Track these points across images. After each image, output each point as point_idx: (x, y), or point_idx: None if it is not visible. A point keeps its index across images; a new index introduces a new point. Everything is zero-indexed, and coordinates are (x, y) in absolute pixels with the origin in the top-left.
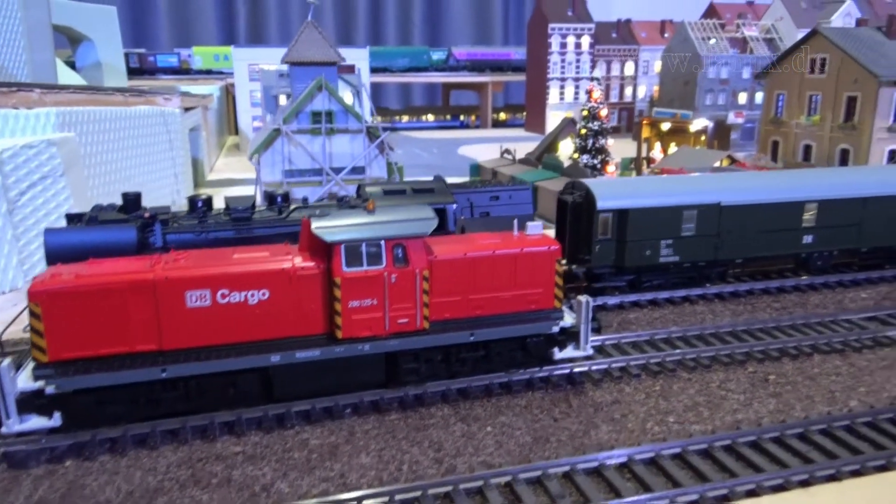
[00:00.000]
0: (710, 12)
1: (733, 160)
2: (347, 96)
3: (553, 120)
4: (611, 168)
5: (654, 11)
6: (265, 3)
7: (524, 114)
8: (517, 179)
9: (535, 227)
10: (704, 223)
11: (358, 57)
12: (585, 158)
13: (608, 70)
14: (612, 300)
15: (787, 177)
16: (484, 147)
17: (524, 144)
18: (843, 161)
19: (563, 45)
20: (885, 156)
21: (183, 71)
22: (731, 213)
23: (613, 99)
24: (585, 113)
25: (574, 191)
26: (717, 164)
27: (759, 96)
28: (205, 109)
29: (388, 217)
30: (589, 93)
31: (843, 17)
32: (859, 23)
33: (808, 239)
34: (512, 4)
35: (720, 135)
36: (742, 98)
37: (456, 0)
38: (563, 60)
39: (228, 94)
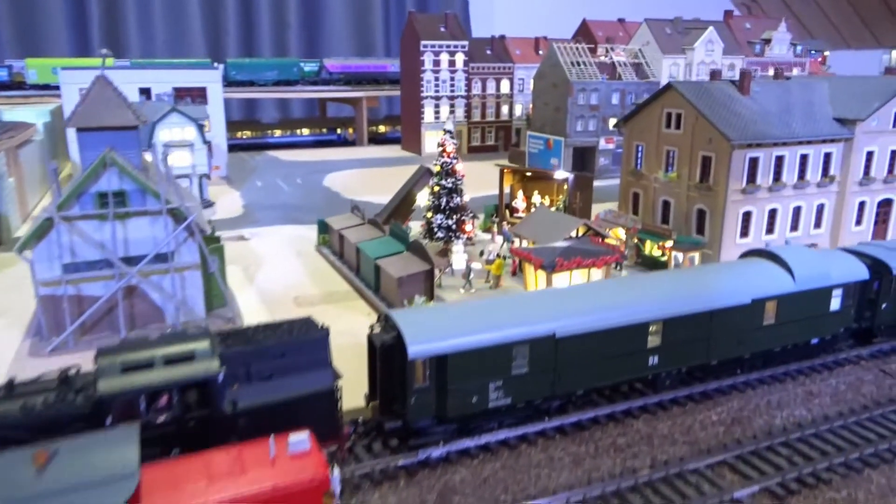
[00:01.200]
0: (583, 30)
1: (589, 228)
2: (189, 132)
3: (429, 140)
4: (468, 227)
5: (529, 28)
6: (123, 4)
7: None
8: (361, 251)
9: (299, 442)
10: (538, 359)
11: (207, 79)
12: (440, 219)
13: (483, 88)
14: (436, 452)
15: (627, 292)
16: (353, 175)
17: (397, 170)
18: (700, 222)
19: (437, 63)
20: (739, 218)
21: (16, 85)
22: (568, 344)
23: (490, 118)
24: (437, 168)
25: (386, 327)
26: (573, 233)
27: None
28: (12, 151)
29: (55, 486)
30: (441, 146)
31: (704, 45)
32: (713, 76)
33: (653, 360)
34: (393, 13)
35: (581, 186)
36: (612, 123)
37: (334, 9)
38: (436, 78)
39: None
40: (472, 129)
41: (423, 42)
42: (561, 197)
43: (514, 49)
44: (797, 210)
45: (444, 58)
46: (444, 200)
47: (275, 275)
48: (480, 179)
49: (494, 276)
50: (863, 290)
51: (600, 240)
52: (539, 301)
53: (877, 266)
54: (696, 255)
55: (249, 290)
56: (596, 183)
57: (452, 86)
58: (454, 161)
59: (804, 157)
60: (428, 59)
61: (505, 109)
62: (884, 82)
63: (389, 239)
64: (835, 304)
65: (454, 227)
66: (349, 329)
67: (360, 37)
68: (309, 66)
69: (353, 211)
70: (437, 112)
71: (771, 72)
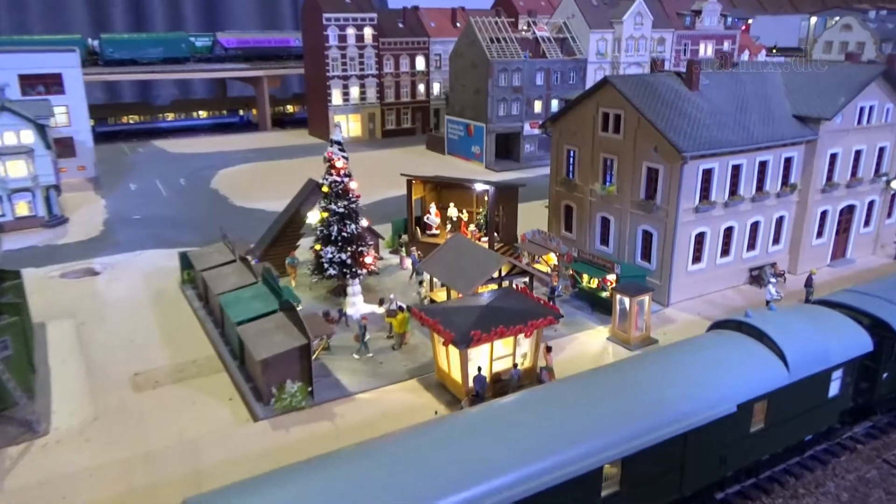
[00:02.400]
0: (503, 1)
1: (514, 267)
2: (26, 135)
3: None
4: (369, 259)
5: None
6: None
7: None
8: (223, 307)
9: None
10: None
11: (62, 63)
12: (330, 252)
13: (396, 66)
14: None
15: (563, 421)
16: (249, 171)
17: (301, 164)
18: (646, 245)
19: (343, 38)
20: (692, 242)
21: None
22: None
23: (405, 98)
24: (326, 189)
25: None
26: (494, 274)
27: (555, 103)
28: None
29: None
30: (329, 162)
31: (633, 17)
32: (654, 66)
33: None
34: None
35: (505, 198)
36: (538, 106)
37: None
38: (343, 56)
39: None
40: (387, 111)
41: (325, 15)
42: (482, 210)
43: (428, 21)
44: (755, 226)
45: (351, 32)
46: (335, 229)
47: (119, 333)
48: (394, 172)
49: (398, 334)
50: (863, 360)
51: (522, 287)
52: (410, 458)
53: (876, 327)
54: (646, 300)
55: (77, 364)
56: (522, 174)
57: (362, 64)
58: (346, 179)
59: (763, 165)
60: (332, 34)
61: (421, 88)
62: (845, 73)
63: (260, 289)
64: (834, 388)
65: (349, 261)
66: (194, 435)
67: (265, 8)
68: (201, 42)
69: (223, 240)
70: (345, 94)
71: (705, 48)
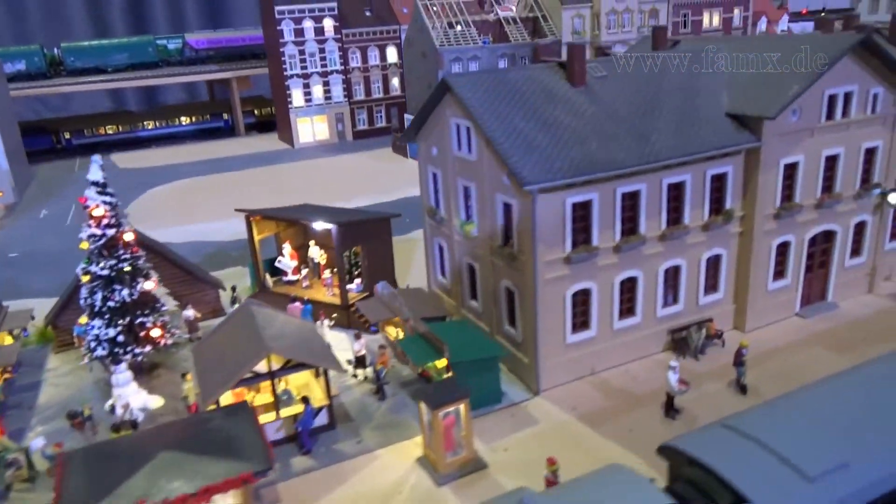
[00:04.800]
0: None
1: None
2: None
3: (302, 129)
4: (156, 332)
5: None
6: None
7: None
8: None
9: None
10: None
11: None
12: (98, 328)
13: (364, 59)
14: None
15: None
16: (185, 187)
17: (242, 177)
18: (511, 307)
19: (300, 32)
20: (566, 301)
21: None
22: None
23: (377, 94)
24: (84, 246)
25: None
26: (260, 368)
27: None
28: None
29: None
30: (86, 209)
31: None
32: (657, 38)
33: None
34: None
35: (366, 235)
36: None
37: None
38: (301, 52)
39: None
40: (356, 109)
41: (277, 7)
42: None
43: (400, 7)
44: (673, 272)
45: (309, 25)
46: (98, 297)
47: None
48: (354, 183)
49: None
50: None
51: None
52: None
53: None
54: (462, 409)
55: None
56: None
57: (323, 59)
58: (123, 228)
59: (677, 189)
60: (287, 28)
61: (395, 82)
62: (813, 47)
63: None
64: None
65: (121, 338)
66: None
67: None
68: (172, 44)
69: None
70: (307, 94)
71: (710, 18)
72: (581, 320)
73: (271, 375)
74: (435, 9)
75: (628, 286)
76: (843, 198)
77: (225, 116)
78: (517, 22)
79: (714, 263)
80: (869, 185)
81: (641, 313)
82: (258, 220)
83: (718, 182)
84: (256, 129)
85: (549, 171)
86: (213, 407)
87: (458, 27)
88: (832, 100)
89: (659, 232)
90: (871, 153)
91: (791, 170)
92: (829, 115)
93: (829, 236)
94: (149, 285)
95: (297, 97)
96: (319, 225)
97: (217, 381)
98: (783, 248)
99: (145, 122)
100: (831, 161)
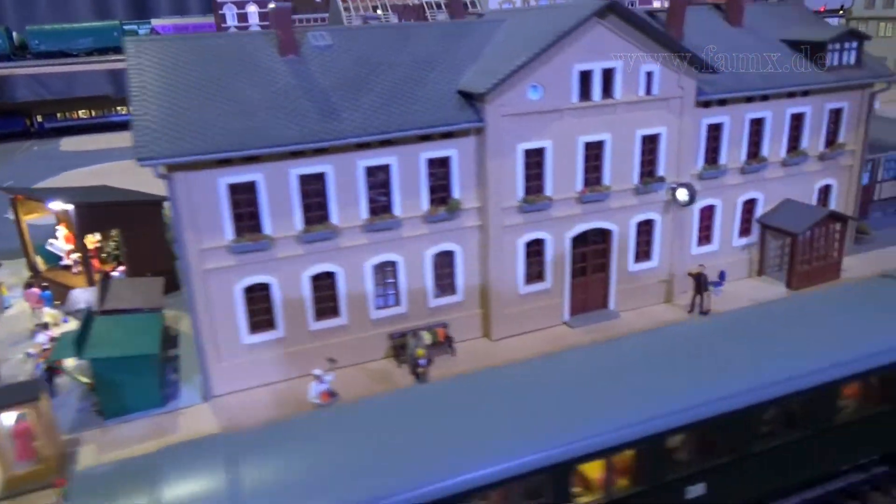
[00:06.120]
0: None
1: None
2: None
3: None
4: None
5: None
6: None
7: None
8: None
9: None
10: None
11: None
12: None
13: None
14: None
15: None
16: (102, 171)
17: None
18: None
19: (243, 18)
20: (235, 297)
21: None
22: None
23: None
24: None
25: None
26: None
27: None
28: None
29: None
30: None
31: None
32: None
33: None
34: None
35: (130, 219)
36: None
37: None
38: None
39: None
40: None
41: None
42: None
43: None
44: (385, 268)
45: (253, 10)
46: None
47: None
48: None
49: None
50: None
51: None
52: None
53: None
54: (15, 415)
55: None
56: None
57: None
58: None
59: (381, 174)
60: (230, 13)
61: None
62: (561, 13)
63: None
64: None
65: None
66: None
67: None
68: (143, 29)
69: None
70: None
71: None
72: (264, 319)
73: None
74: None
75: (327, 283)
76: (613, 191)
77: None
78: (440, 6)
79: (446, 261)
80: (653, 179)
81: (347, 314)
82: (21, 199)
83: (442, 167)
84: None
85: (185, 147)
86: None
87: (379, 11)
88: (586, 77)
89: (360, 222)
90: (651, 142)
91: (537, 157)
92: (586, 95)
93: (605, 236)
94: None
95: None
96: (57, 205)
97: None
98: (536, 247)
99: (117, 108)
100: (595, 148)
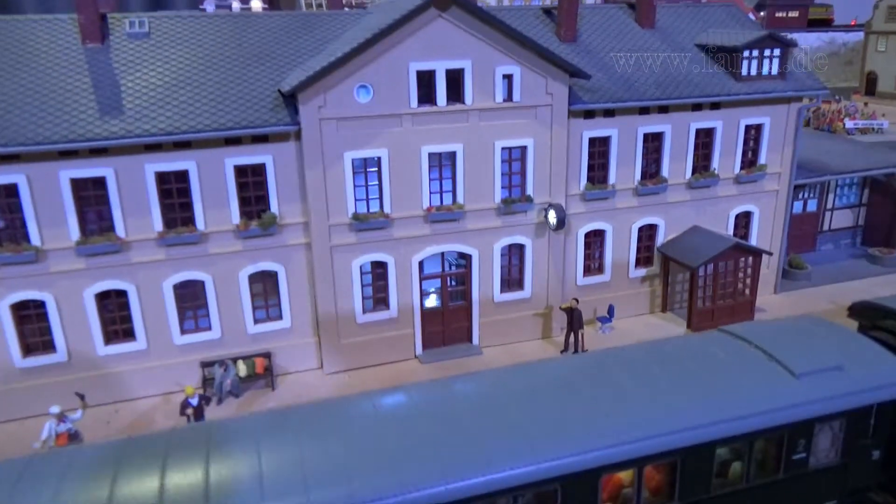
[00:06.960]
0: None
1: None
2: None
3: None
4: None
5: None
6: None
7: None
8: None
9: None
10: None
11: None
12: None
13: None
14: None
15: None
16: None
17: None
18: None
19: (228, 9)
20: (5, 316)
21: None
22: None
23: None
24: None
25: None
26: None
27: None
28: None
29: None
30: None
31: None
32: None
33: None
34: None
35: None
36: None
37: None
38: None
39: None
40: None
41: None
42: None
43: None
44: (191, 288)
45: (236, 5)
46: None
47: None
48: None
49: None
50: None
51: None
52: None
53: None
54: None
55: None
56: None
57: None
58: None
59: (177, 180)
60: (210, 7)
61: None
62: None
63: None
64: None
65: None
66: None
67: None
68: None
69: None
70: None
71: None
72: (41, 340)
73: None
74: None
75: (118, 303)
76: (469, 211)
77: None
78: None
79: (268, 283)
80: (518, 199)
81: (146, 338)
82: None
83: (256, 176)
84: None
85: None
86: None
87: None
88: (426, 78)
89: (154, 234)
90: (520, 157)
91: (372, 168)
92: (428, 99)
93: (467, 260)
94: None
95: None
96: None
97: None
98: (379, 270)
99: None
100: (443, 161)
